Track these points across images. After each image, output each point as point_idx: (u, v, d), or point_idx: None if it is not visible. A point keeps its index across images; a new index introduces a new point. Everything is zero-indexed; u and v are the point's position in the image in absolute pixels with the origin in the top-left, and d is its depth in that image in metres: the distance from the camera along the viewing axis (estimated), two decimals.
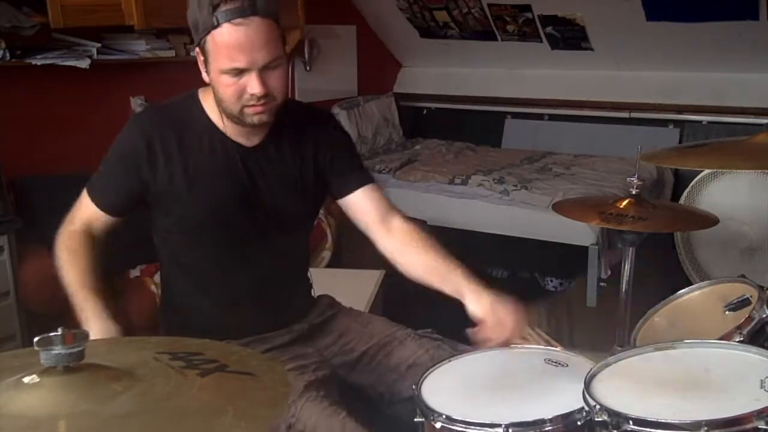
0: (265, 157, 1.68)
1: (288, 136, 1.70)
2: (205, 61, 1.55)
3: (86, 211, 1.69)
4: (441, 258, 1.70)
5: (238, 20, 1.46)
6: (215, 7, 1.47)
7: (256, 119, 1.59)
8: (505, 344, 1.57)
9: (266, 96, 1.54)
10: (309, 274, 1.89)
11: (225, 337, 1.63)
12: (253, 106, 1.55)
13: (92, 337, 1.46)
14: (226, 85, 1.53)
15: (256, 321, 1.72)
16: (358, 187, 1.76)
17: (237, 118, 1.59)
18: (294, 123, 1.72)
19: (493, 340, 1.55)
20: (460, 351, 1.71)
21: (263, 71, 1.52)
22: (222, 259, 1.70)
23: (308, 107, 1.83)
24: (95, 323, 1.50)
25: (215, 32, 1.48)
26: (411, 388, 1.52)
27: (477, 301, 1.59)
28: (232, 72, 1.51)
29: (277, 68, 1.55)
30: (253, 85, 1.52)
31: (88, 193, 1.70)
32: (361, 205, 1.76)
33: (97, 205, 1.68)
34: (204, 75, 1.58)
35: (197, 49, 1.56)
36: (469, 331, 1.57)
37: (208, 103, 1.66)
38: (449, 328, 1.87)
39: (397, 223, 1.76)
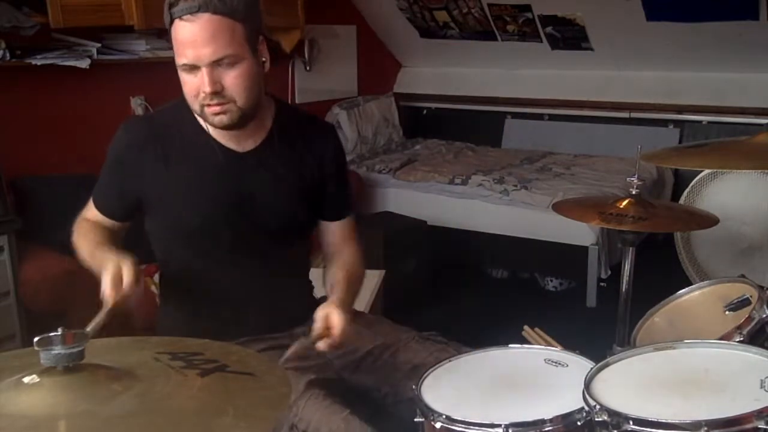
0: (259, 162, 1.67)
1: (286, 141, 1.69)
2: None
3: (94, 215, 1.73)
4: (345, 270, 1.74)
5: (187, 16, 1.49)
6: (171, 5, 1.51)
7: (216, 120, 1.58)
8: (331, 347, 1.56)
9: (218, 95, 1.53)
10: (310, 277, 1.89)
11: (223, 339, 1.63)
12: (209, 105, 1.55)
13: (107, 272, 1.45)
14: (185, 83, 1.56)
15: (255, 326, 1.72)
16: (340, 217, 1.81)
17: (203, 119, 1.61)
18: (294, 129, 1.71)
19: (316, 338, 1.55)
20: (463, 353, 1.71)
21: (215, 69, 1.52)
22: (216, 264, 1.70)
23: (312, 116, 1.83)
24: (110, 259, 1.49)
25: (171, 29, 1.53)
26: (413, 389, 1.52)
27: (321, 308, 1.60)
28: (185, 68, 1.54)
29: (234, 67, 1.53)
30: (203, 82, 1.53)
31: (93, 200, 1.73)
32: (334, 233, 1.82)
33: (101, 211, 1.71)
34: None
35: None
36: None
37: None
38: (449, 329, 1.87)
39: (347, 252, 1.81)
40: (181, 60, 1.53)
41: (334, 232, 1.81)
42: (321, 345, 1.54)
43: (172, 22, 1.52)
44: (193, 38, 1.50)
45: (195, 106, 1.58)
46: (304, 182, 1.71)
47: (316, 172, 1.73)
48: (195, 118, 1.65)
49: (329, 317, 1.55)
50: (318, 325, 1.55)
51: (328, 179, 1.76)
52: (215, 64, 1.51)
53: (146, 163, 1.63)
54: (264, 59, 1.60)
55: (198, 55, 1.50)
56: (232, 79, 1.54)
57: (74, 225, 1.71)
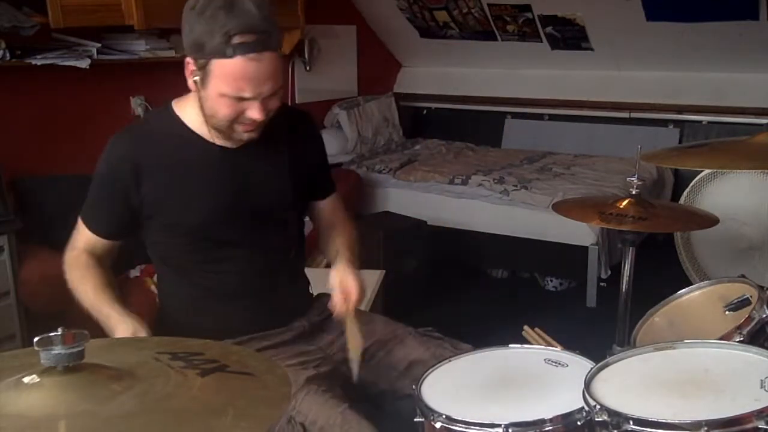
0: (249, 157, 1.68)
1: (270, 134, 1.70)
2: (202, 79, 1.54)
3: (85, 238, 1.69)
4: (343, 236, 1.84)
5: (253, 55, 1.48)
6: (229, 37, 1.46)
7: (245, 136, 1.62)
8: (345, 312, 1.66)
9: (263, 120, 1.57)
10: (306, 272, 1.90)
11: (224, 337, 1.63)
12: (245, 125, 1.58)
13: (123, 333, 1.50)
14: (224, 106, 1.55)
15: (255, 320, 1.73)
16: (328, 195, 1.88)
17: (224, 133, 1.62)
18: (275, 121, 1.72)
19: (338, 307, 1.66)
20: (461, 349, 1.71)
21: (267, 98, 1.55)
22: (216, 261, 1.70)
23: (286, 106, 1.84)
24: (123, 327, 1.52)
25: (225, 61, 1.49)
26: (412, 386, 1.52)
27: (334, 273, 1.71)
28: (234, 98, 1.53)
29: (278, 93, 1.58)
30: (254, 111, 1.54)
31: (82, 221, 1.70)
32: (325, 210, 1.88)
33: (93, 232, 1.68)
34: (190, 83, 1.57)
35: (190, 59, 1.55)
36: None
37: (185, 112, 1.66)
38: (449, 328, 1.87)
39: (339, 221, 1.89)
40: (234, 93, 1.52)
41: (325, 209, 1.88)
42: (342, 309, 1.65)
43: (230, 55, 1.47)
44: (258, 76, 1.50)
45: (225, 124, 1.58)
46: (293, 170, 1.73)
47: (301, 159, 1.76)
48: (183, 123, 1.66)
49: (343, 282, 1.66)
50: (336, 293, 1.66)
51: (312, 162, 1.82)
52: (269, 95, 1.55)
53: (142, 175, 1.62)
54: None
55: (260, 91, 1.52)
56: (274, 104, 1.58)
57: (65, 258, 1.68)
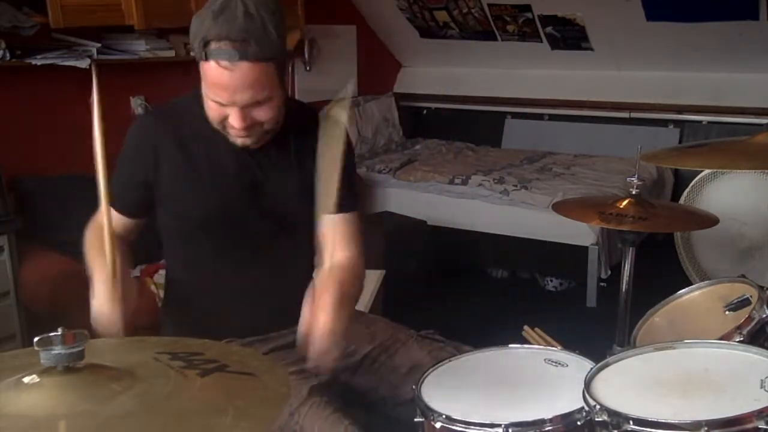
0: (268, 157, 1.68)
1: (292, 136, 1.70)
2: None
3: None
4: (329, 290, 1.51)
5: (225, 63, 1.46)
6: (206, 43, 1.47)
7: (239, 142, 1.60)
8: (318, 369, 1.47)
9: (248, 128, 1.55)
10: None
11: (227, 336, 1.63)
12: (235, 129, 1.56)
13: (98, 299, 1.41)
14: (210, 108, 1.56)
15: (259, 321, 1.72)
16: (337, 211, 1.62)
17: (224, 133, 1.62)
18: (299, 124, 1.71)
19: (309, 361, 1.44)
20: (462, 352, 1.71)
21: (247, 107, 1.52)
22: (224, 258, 1.70)
23: (314, 109, 1.82)
24: (102, 285, 1.43)
25: (204, 65, 1.50)
26: (412, 390, 1.52)
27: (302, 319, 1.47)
28: (216, 102, 1.53)
29: (265, 103, 1.54)
30: (234, 118, 1.53)
31: None
32: (328, 228, 1.62)
33: (113, 207, 1.64)
34: None
35: None
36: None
37: None
38: (449, 329, 1.87)
39: (338, 257, 1.63)
40: (212, 96, 1.52)
41: (333, 229, 1.65)
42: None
43: (205, 59, 1.48)
44: (230, 85, 1.48)
45: (218, 126, 1.58)
46: (306, 174, 1.69)
47: (315, 164, 1.70)
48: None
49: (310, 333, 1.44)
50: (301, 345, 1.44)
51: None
52: (248, 105, 1.52)
53: (161, 155, 1.63)
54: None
55: (233, 100, 1.50)
56: (263, 113, 1.55)
57: (87, 227, 1.64)
